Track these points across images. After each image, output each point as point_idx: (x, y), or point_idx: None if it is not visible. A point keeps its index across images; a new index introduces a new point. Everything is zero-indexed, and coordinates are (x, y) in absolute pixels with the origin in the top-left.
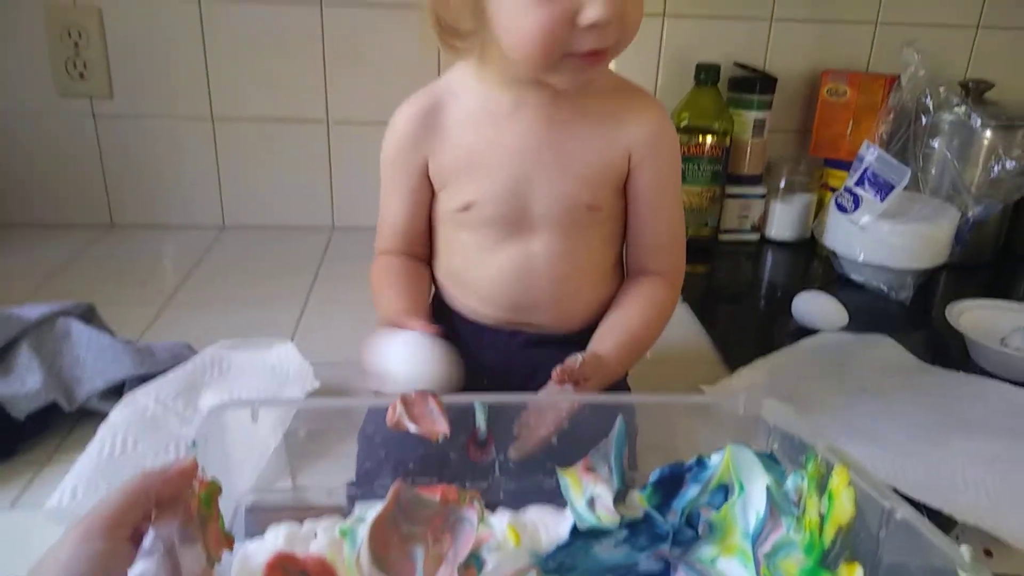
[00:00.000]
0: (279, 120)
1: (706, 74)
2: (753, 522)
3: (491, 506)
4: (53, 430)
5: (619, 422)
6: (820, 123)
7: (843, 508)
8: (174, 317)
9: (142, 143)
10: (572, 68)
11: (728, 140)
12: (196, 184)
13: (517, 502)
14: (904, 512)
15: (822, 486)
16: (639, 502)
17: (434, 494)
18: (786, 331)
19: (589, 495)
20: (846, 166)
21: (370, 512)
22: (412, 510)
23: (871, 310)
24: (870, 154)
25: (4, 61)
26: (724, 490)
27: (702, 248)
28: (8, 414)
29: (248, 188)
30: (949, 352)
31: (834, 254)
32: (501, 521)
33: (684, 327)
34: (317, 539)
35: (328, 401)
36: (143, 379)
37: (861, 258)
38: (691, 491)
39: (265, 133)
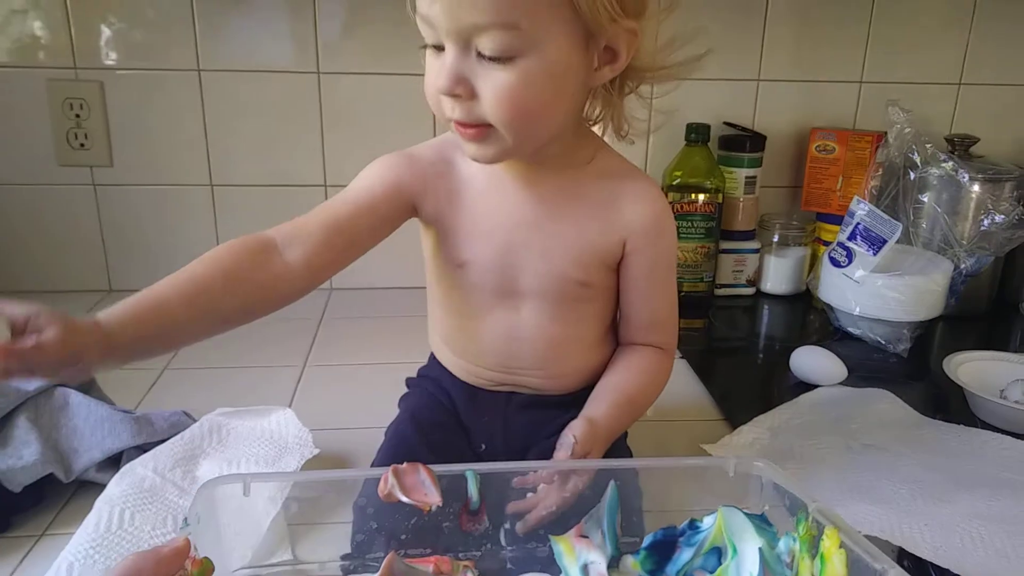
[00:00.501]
0: (278, 185)
1: (696, 133)
2: None
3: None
4: (49, 501)
5: (611, 488)
6: (810, 179)
7: (835, 571)
8: (172, 382)
9: (142, 210)
10: (460, 135)
11: (720, 197)
12: (195, 249)
13: (511, 571)
14: (896, 574)
15: (814, 548)
16: (633, 567)
17: (427, 565)
18: (785, 386)
19: (583, 562)
20: (837, 220)
21: None
22: None
23: (869, 363)
24: (861, 209)
25: (7, 131)
26: (718, 553)
27: (699, 303)
28: (3, 487)
29: None
30: (948, 405)
31: (830, 307)
32: None
33: (683, 382)
34: None
35: (321, 473)
36: (141, 449)
37: (857, 311)
38: (684, 555)
39: (264, 198)
